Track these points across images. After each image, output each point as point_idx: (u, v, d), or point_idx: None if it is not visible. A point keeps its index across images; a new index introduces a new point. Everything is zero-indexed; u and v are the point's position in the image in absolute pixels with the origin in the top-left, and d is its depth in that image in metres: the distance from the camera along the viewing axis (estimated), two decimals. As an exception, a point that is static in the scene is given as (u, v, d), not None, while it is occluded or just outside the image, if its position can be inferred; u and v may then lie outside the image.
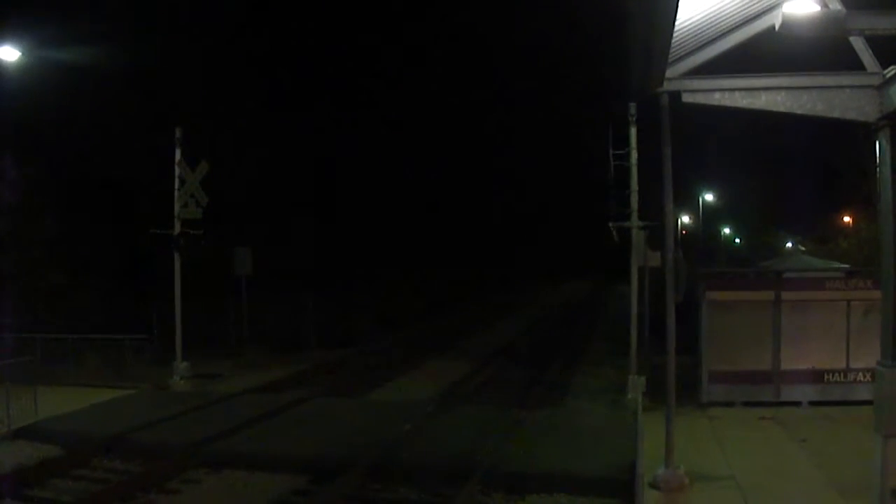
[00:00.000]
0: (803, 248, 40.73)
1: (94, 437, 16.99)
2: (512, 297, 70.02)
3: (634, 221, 21.02)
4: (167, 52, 36.70)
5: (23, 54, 23.77)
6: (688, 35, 11.90)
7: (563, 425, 18.19)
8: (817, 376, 20.05)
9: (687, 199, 60.59)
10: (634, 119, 20.78)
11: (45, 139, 31.60)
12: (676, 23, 10.26)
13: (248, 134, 41.10)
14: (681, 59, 12.53)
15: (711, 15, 11.63)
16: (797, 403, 19.92)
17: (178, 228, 24.38)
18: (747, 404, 19.87)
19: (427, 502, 13.40)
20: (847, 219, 47.77)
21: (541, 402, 22.08)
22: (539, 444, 16.23)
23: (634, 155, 20.86)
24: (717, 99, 12.71)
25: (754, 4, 11.81)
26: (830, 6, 10.64)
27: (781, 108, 12.29)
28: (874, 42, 11.66)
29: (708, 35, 12.23)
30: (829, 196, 45.84)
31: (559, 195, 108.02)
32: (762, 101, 12.39)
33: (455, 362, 30.31)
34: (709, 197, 68.15)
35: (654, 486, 13.42)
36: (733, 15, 11.91)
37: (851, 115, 11.75)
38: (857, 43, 11.76)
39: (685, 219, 62.89)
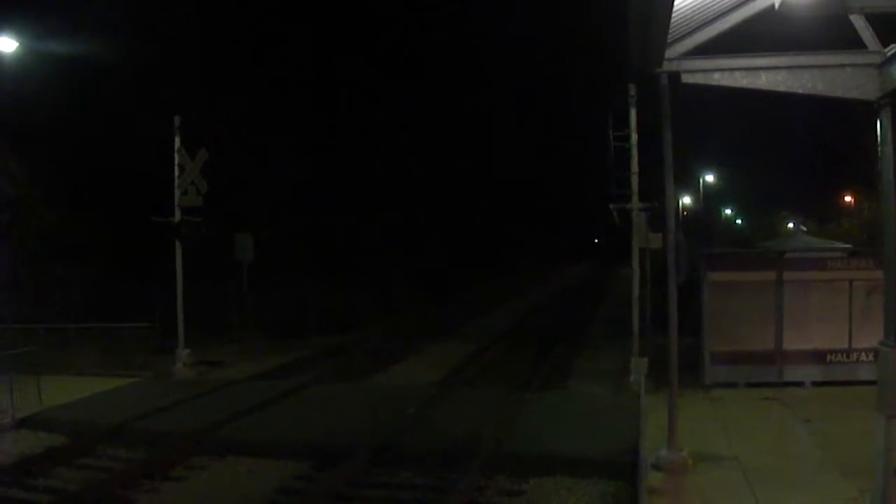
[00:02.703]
0: (805, 229, 40.74)
1: (98, 425, 17.02)
2: (513, 282, 70.01)
3: (635, 203, 20.97)
4: (166, 39, 36.54)
5: (21, 44, 23.72)
6: (687, 15, 11.82)
7: (566, 408, 18.24)
8: (820, 357, 20.06)
9: (688, 180, 60.51)
10: (634, 100, 20.71)
11: (44, 129, 31.51)
12: (675, 2, 10.19)
13: (249, 120, 40.98)
14: (680, 39, 12.45)
15: (711, -6, 11.58)
16: (800, 384, 19.94)
17: (178, 216, 24.37)
18: (750, 385, 19.89)
19: (430, 486, 13.41)
20: (849, 199, 47.75)
21: (543, 385, 22.12)
22: (542, 427, 16.26)
23: (634, 136, 20.80)
24: (716, 79, 12.63)
25: (754, -17, 11.74)
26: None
27: (782, 88, 12.21)
28: (874, 20, 11.58)
29: (707, 15, 12.15)
30: (831, 176, 45.80)
31: (559, 178, 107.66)
32: (763, 81, 12.31)
33: (457, 346, 30.31)
34: (710, 178, 68.07)
35: (657, 467, 13.43)
36: (733, -6, 11.85)
37: (853, 94, 11.67)
38: (858, 21, 11.67)
39: (686, 200, 62.82)
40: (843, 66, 11.74)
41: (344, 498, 12.96)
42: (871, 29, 11.62)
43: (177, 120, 24.48)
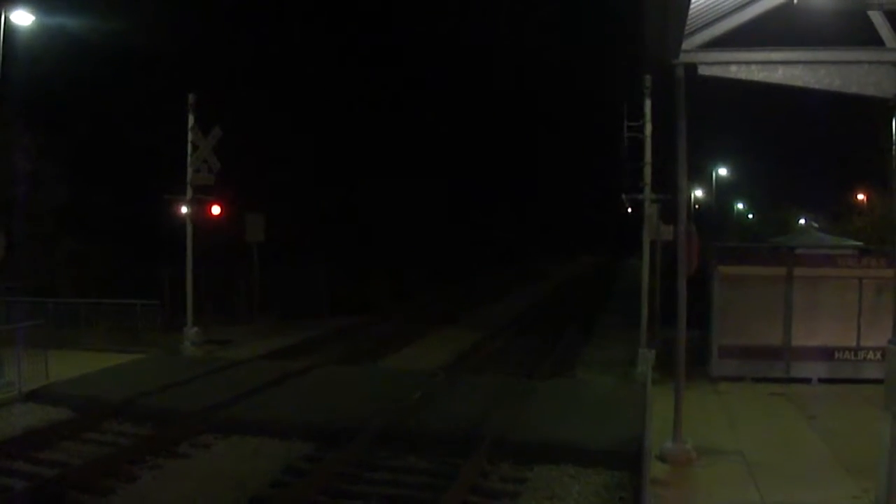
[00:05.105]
0: (816, 225, 40.60)
1: (105, 400, 17.09)
2: (522, 271, 70.00)
3: (648, 194, 20.94)
4: (181, 18, 36.55)
5: (36, 19, 23.67)
6: (705, 7, 11.78)
7: (572, 397, 18.21)
8: (828, 354, 20.01)
9: (700, 174, 60.32)
10: (649, 91, 20.66)
11: (57, 106, 31.57)
12: (693, -7, 10.16)
13: (265, 101, 41.07)
14: (697, 31, 12.41)
15: (729, -14, 11.53)
16: (807, 380, 19.91)
17: (190, 194, 24.40)
18: (757, 380, 19.87)
19: (435, 471, 13.42)
20: (861, 196, 47.48)
21: (550, 373, 22.11)
22: (547, 415, 16.25)
23: (649, 128, 20.76)
24: (733, 72, 12.59)
25: (772, -24, 11.68)
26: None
27: (798, 83, 12.17)
28: (894, 17, 11.51)
29: (725, 7, 12.10)
30: (844, 173, 45.60)
31: (571, 169, 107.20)
32: (779, 75, 12.27)
33: (466, 332, 30.39)
34: (722, 171, 67.91)
35: (661, 459, 13.44)
36: (751, -13, 11.79)
37: (869, 90, 11.63)
38: (876, 17, 11.60)
39: (698, 193, 62.60)
40: (860, 62, 11.70)
41: (349, 479, 12.99)
42: (889, 25, 11.55)
43: (191, 97, 24.47)
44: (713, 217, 58.38)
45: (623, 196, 21.49)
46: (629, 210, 21.81)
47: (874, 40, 11.68)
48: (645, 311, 21.14)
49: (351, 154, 48.93)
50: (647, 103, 20.76)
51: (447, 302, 41.62)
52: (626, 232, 29.12)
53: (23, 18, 23.10)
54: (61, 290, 25.78)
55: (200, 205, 24.59)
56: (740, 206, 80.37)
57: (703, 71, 12.69)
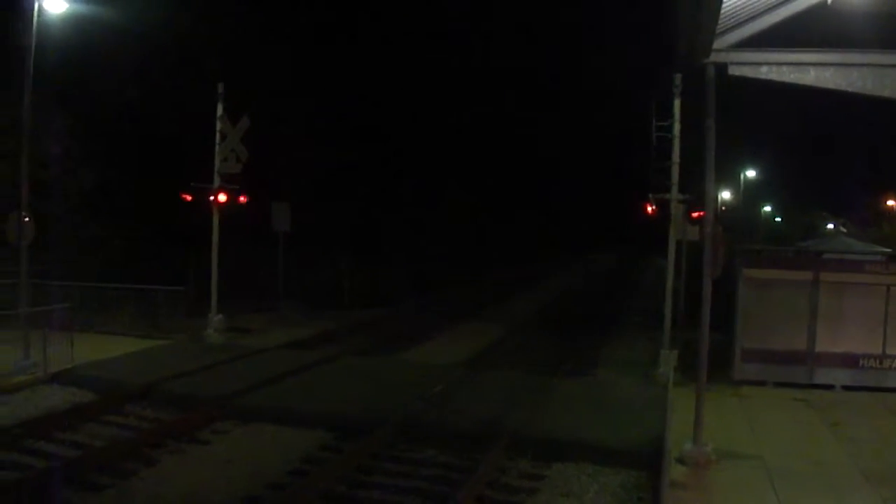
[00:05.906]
0: (844, 230, 40.29)
1: (128, 384, 17.28)
2: (543, 269, 69.85)
3: (675, 194, 20.82)
4: (210, 7, 36.65)
5: (69, 6, 23.80)
6: (737, 6, 11.68)
7: (592, 396, 18.16)
8: (852, 361, 19.81)
9: (728, 175, 59.91)
10: (679, 91, 20.51)
11: (88, 91, 31.76)
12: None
13: (292, 91, 41.19)
14: (729, 30, 12.31)
15: (762, -14, 11.42)
16: (830, 387, 19.71)
17: (217, 183, 24.51)
18: (779, 385, 19.71)
19: (454, 465, 13.44)
20: (891, 202, 47.07)
21: (570, 372, 22.08)
22: (567, 413, 16.22)
23: (677, 127, 20.61)
24: (764, 73, 12.48)
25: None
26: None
27: (830, 85, 12.04)
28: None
29: (757, 7, 12.00)
30: (874, 178, 45.28)
31: (598, 168, 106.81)
32: (810, 77, 12.15)
33: (487, 327, 30.35)
34: (751, 173, 67.48)
35: (680, 461, 13.37)
36: (785, -13, 11.68)
37: (901, 94, 11.50)
38: (912, 21, 11.48)
39: (725, 194, 62.19)
40: (893, 65, 11.56)
41: (367, 471, 13.05)
42: (925, 29, 11.42)
43: (220, 87, 24.57)
44: (740, 219, 57.93)
45: (649, 195, 21.38)
46: (651, 209, 21.66)
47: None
48: (668, 312, 21.03)
49: (382, 149, 49.01)
50: (677, 103, 20.62)
51: (470, 296, 41.57)
52: (652, 231, 28.92)
53: (56, 6, 23.25)
54: (87, 275, 25.93)
55: (227, 193, 24.67)
56: (768, 208, 79.77)
57: (734, 71, 12.60)
